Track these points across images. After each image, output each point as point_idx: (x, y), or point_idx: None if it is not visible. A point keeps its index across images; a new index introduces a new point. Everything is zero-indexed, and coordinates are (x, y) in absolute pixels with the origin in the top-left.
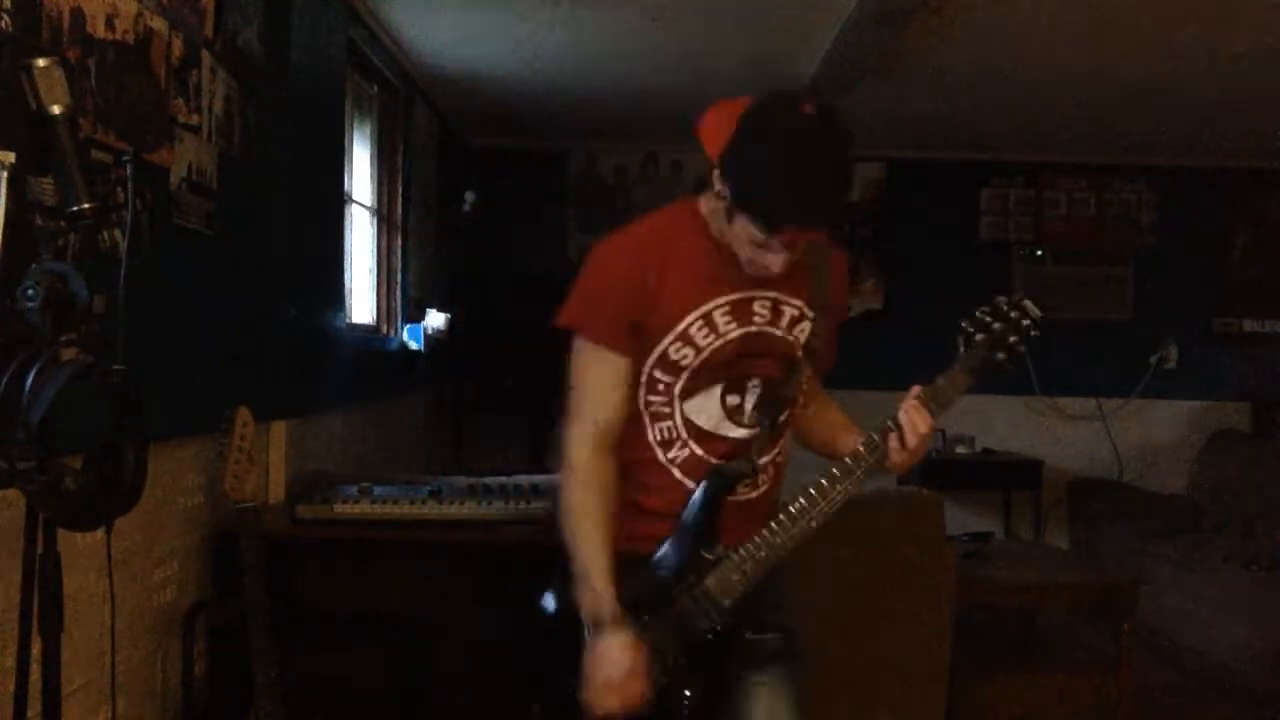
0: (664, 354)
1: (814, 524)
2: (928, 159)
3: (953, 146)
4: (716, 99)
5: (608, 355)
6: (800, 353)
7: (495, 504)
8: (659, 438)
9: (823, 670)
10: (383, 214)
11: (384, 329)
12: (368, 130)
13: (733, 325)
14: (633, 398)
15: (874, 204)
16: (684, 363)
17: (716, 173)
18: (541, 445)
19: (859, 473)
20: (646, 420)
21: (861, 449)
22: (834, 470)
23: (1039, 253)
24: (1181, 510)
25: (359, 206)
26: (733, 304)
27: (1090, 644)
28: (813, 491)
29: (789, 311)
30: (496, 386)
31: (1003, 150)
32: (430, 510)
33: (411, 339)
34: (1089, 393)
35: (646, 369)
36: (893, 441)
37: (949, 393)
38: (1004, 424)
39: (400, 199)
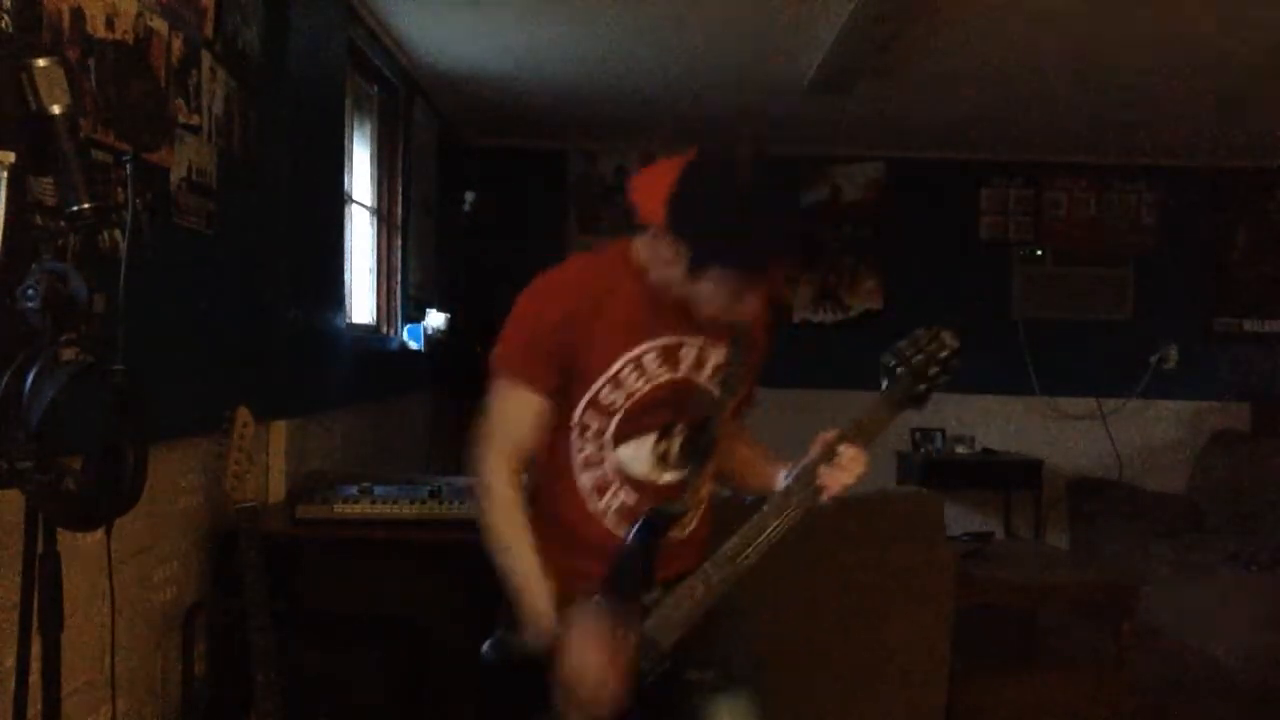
0: (595, 397)
1: (750, 561)
2: (928, 159)
3: (953, 146)
4: (716, 99)
5: (526, 393)
6: (720, 397)
7: None
8: (590, 486)
9: (822, 669)
10: (383, 214)
11: (384, 329)
12: (368, 130)
13: (662, 370)
14: (557, 444)
15: (874, 204)
16: (613, 407)
17: (663, 233)
18: None
19: (792, 510)
20: (576, 469)
21: (794, 485)
22: (767, 509)
23: (1039, 253)
24: (1181, 510)
25: (359, 206)
26: (663, 349)
27: (1090, 644)
28: (747, 529)
29: (713, 358)
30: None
31: (1003, 150)
32: (430, 510)
33: (411, 339)
34: (1089, 393)
35: (578, 414)
36: (826, 478)
37: (872, 428)
38: (1004, 424)
39: (400, 199)
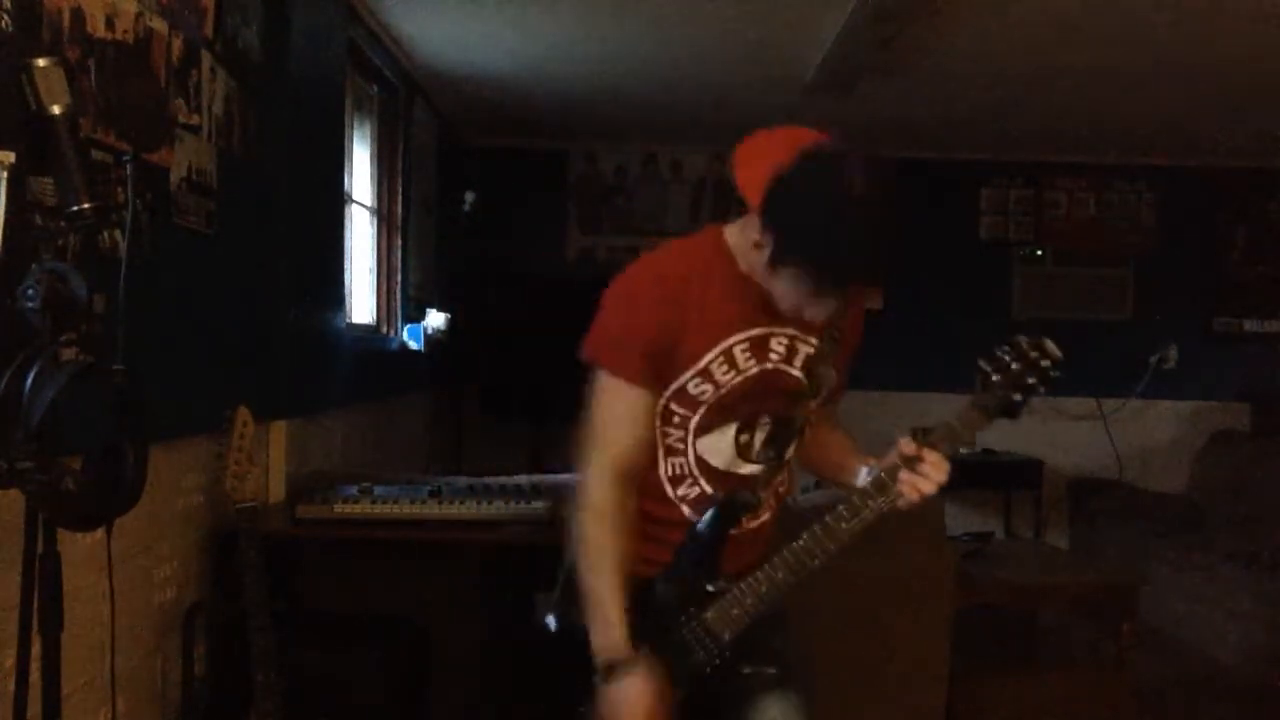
0: (683, 388)
1: (818, 562)
2: (928, 159)
3: (953, 146)
4: (716, 99)
5: (632, 390)
6: (809, 390)
7: (495, 504)
8: (670, 473)
9: (823, 670)
10: (383, 214)
11: (384, 329)
12: (368, 130)
13: (752, 362)
14: (653, 434)
15: None
16: (702, 398)
17: (756, 218)
18: (541, 445)
19: (867, 514)
20: (660, 454)
21: (871, 488)
22: (842, 509)
23: (1039, 253)
24: (1181, 510)
25: (359, 206)
26: (753, 340)
27: (1090, 644)
28: (818, 530)
29: (804, 350)
30: (496, 386)
31: (1003, 150)
32: (430, 510)
33: (411, 339)
34: (1089, 393)
35: (663, 401)
36: (905, 485)
37: (963, 433)
38: (1004, 424)
39: (400, 199)
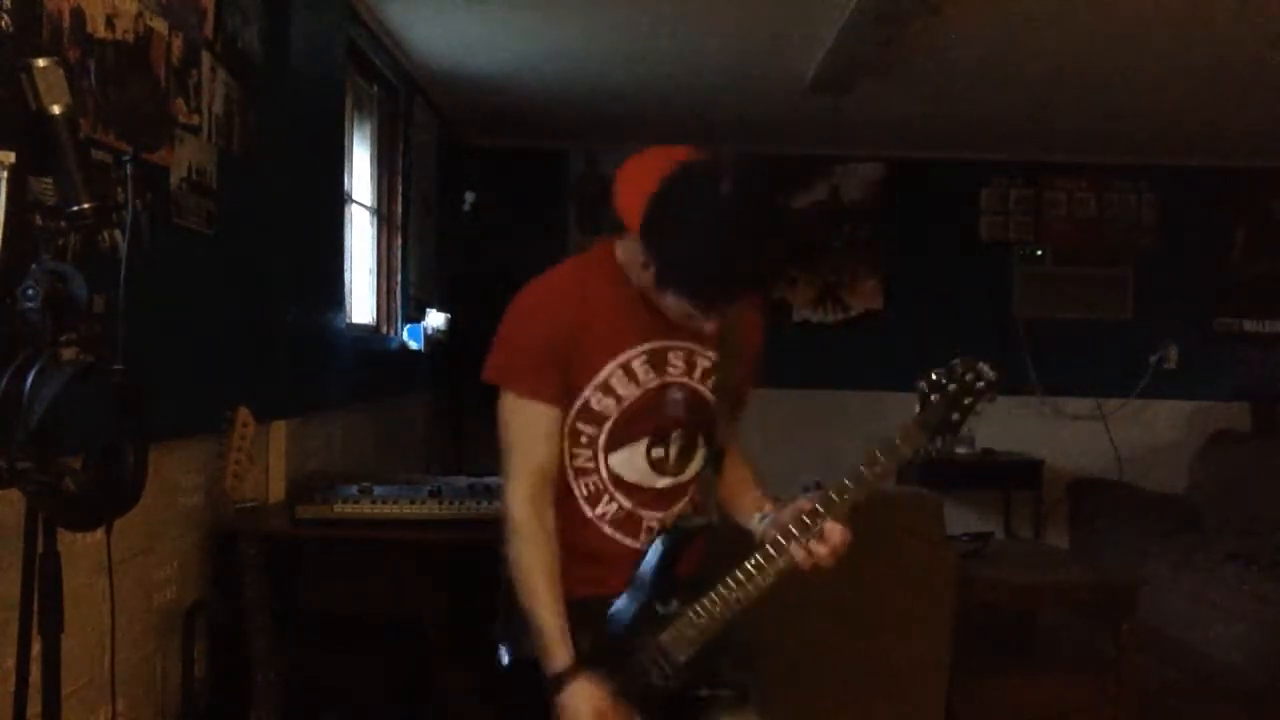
0: (586, 404)
1: (769, 581)
2: (928, 159)
3: (953, 146)
4: (716, 99)
5: (537, 406)
6: (715, 401)
7: (495, 504)
8: (584, 493)
9: (823, 670)
10: (383, 214)
11: (384, 329)
12: (368, 130)
13: (651, 375)
14: (562, 450)
15: (874, 204)
16: (606, 413)
17: (640, 239)
18: None
19: (813, 531)
20: (571, 476)
21: (818, 505)
22: (791, 527)
23: (1039, 253)
24: (1181, 510)
25: (359, 206)
26: (650, 353)
27: (1090, 644)
28: (769, 548)
29: (702, 362)
30: (494, 387)
31: (1003, 150)
32: (430, 510)
33: (411, 339)
34: (1089, 393)
35: (570, 421)
36: (800, 557)
37: (904, 450)
38: (1004, 424)
39: (400, 199)
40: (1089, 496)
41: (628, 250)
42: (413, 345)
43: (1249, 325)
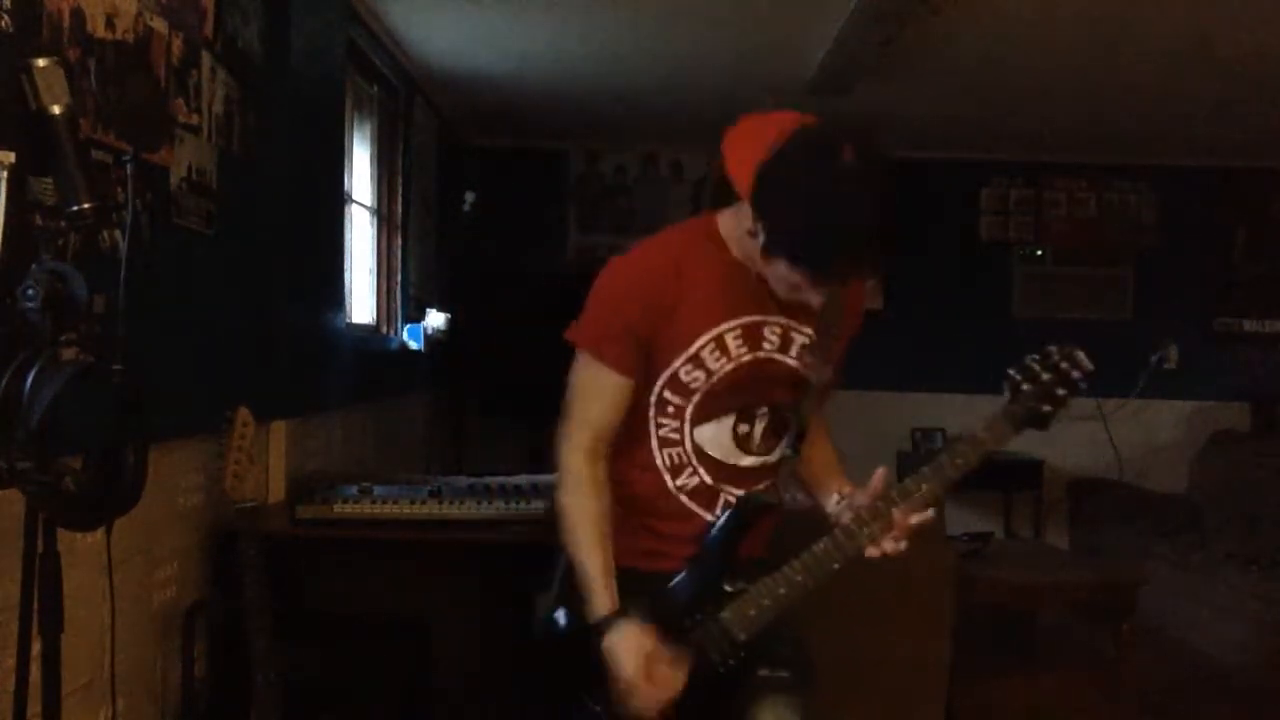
0: (675, 375)
1: (836, 566)
2: (928, 159)
3: (953, 146)
4: (716, 99)
5: (609, 373)
6: (808, 381)
7: (495, 504)
8: (668, 463)
9: (822, 670)
10: (383, 214)
11: (384, 329)
12: (368, 130)
13: (744, 350)
14: (635, 418)
15: None
16: (694, 385)
17: (747, 206)
18: (541, 445)
19: (887, 519)
20: (655, 445)
21: (894, 493)
22: (863, 513)
23: (1039, 253)
24: (1181, 510)
25: (359, 206)
26: (745, 328)
27: (1090, 644)
28: (839, 534)
29: (798, 339)
30: (496, 386)
31: (1003, 150)
32: (430, 510)
33: (411, 339)
34: (1089, 393)
35: (657, 390)
36: (870, 548)
37: (990, 444)
38: None
39: (400, 199)
40: (1089, 496)
41: (732, 220)
42: (413, 345)
43: (1249, 325)
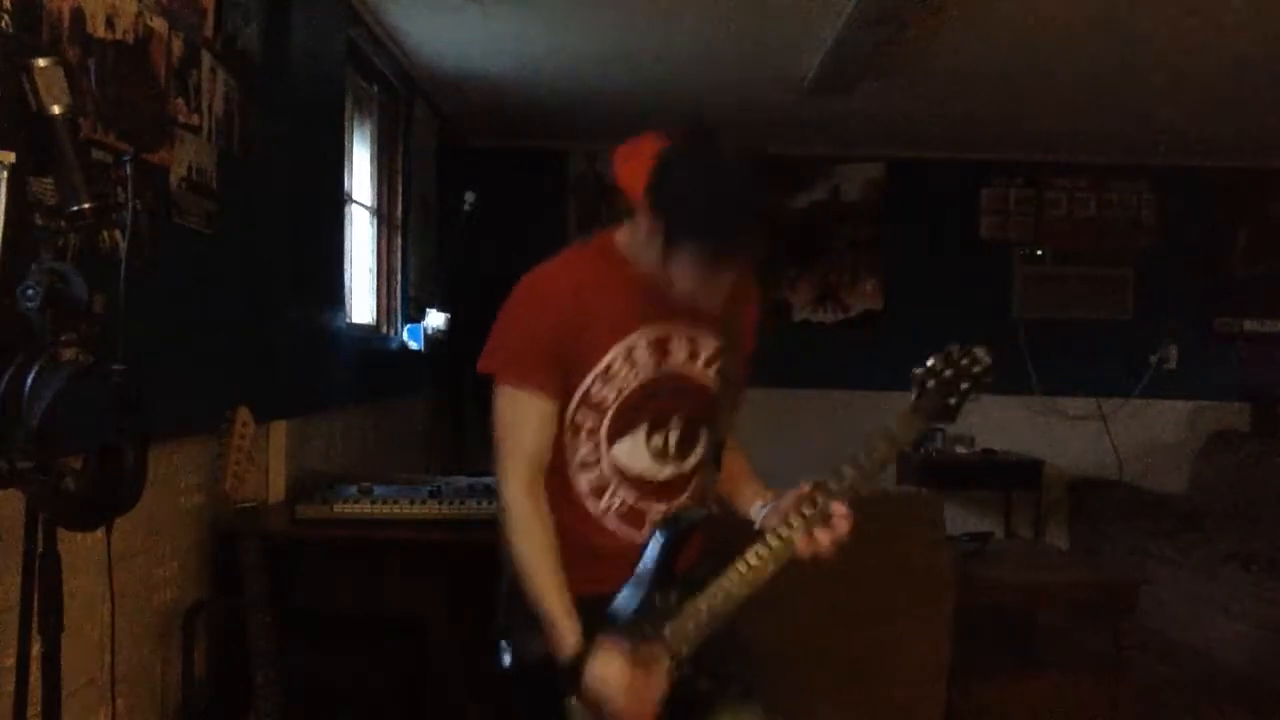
0: (586, 393)
1: (772, 570)
2: (928, 159)
3: (953, 146)
4: (716, 99)
5: (530, 397)
6: (717, 389)
7: (495, 504)
8: (588, 488)
9: (823, 669)
10: (383, 214)
11: (384, 329)
12: (368, 130)
13: (652, 361)
14: (556, 446)
15: (874, 204)
16: (606, 402)
17: (644, 210)
18: None
19: (815, 521)
20: (574, 471)
21: (818, 495)
22: (790, 516)
23: (1039, 253)
24: (1181, 510)
25: (359, 206)
26: (652, 340)
27: (1090, 644)
28: (770, 539)
29: (704, 351)
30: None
31: (1003, 150)
32: (430, 510)
33: (411, 339)
34: (1089, 393)
35: (571, 413)
36: (802, 545)
37: (902, 438)
38: (1004, 424)
39: (400, 199)
40: (1089, 496)
41: (629, 233)
42: (413, 345)
43: (1249, 325)
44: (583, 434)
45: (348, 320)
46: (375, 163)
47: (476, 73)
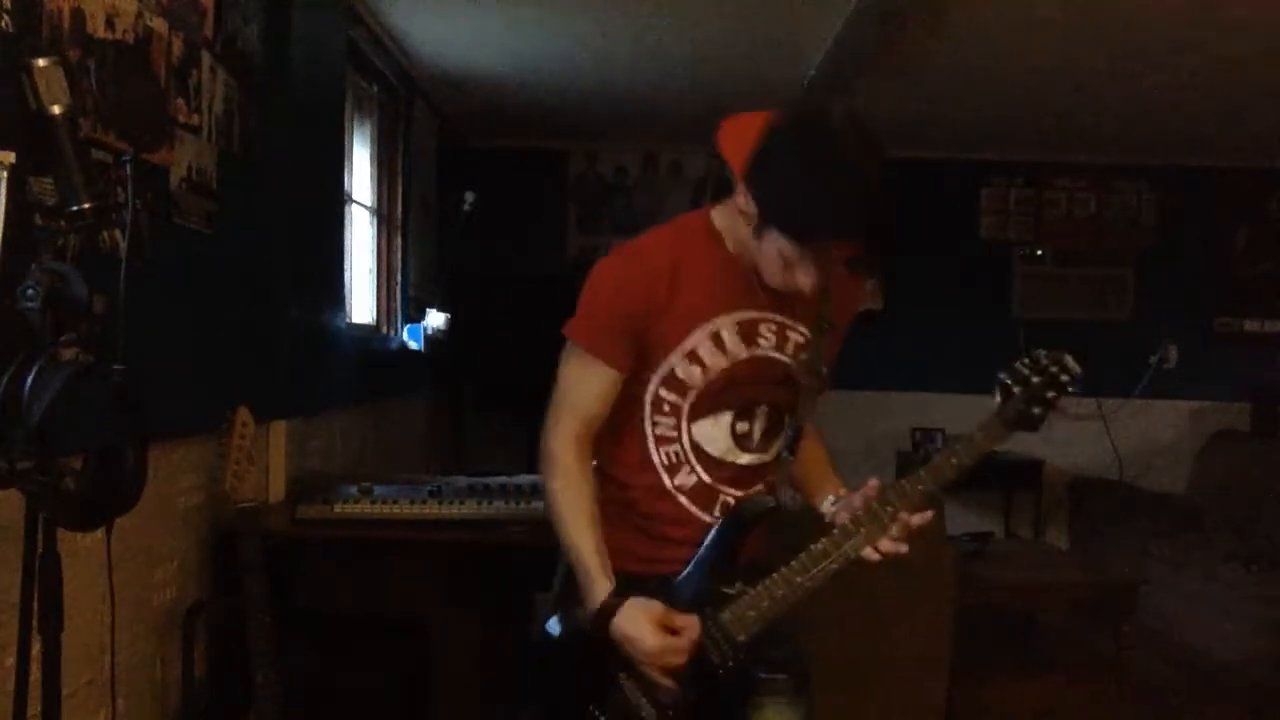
0: (671, 372)
1: (835, 567)
2: (928, 159)
3: (953, 146)
4: (716, 99)
5: (599, 365)
6: (804, 379)
7: (495, 504)
8: (665, 462)
9: (822, 669)
10: (383, 214)
11: (384, 329)
12: (368, 130)
13: (740, 346)
14: (630, 417)
15: None
16: (691, 382)
17: (742, 186)
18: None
19: (885, 519)
20: (652, 444)
21: (891, 494)
22: (860, 514)
23: (1039, 253)
24: (1181, 510)
25: (359, 206)
26: (741, 324)
27: (1090, 644)
28: (837, 535)
29: (794, 337)
30: (496, 386)
31: (1003, 150)
32: (430, 510)
33: (411, 339)
34: (1089, 393)
35: (652, 388)
36: (868, 551)
37: (984, 445)
38: None
39: (400, 199)
40: (1089, 496)
41: (726, 214)
42: (413, 345)
43: (1249, 325)
44: (665, 409)
45: (348, 320)
46: (375, 163)
47: (476, 73)
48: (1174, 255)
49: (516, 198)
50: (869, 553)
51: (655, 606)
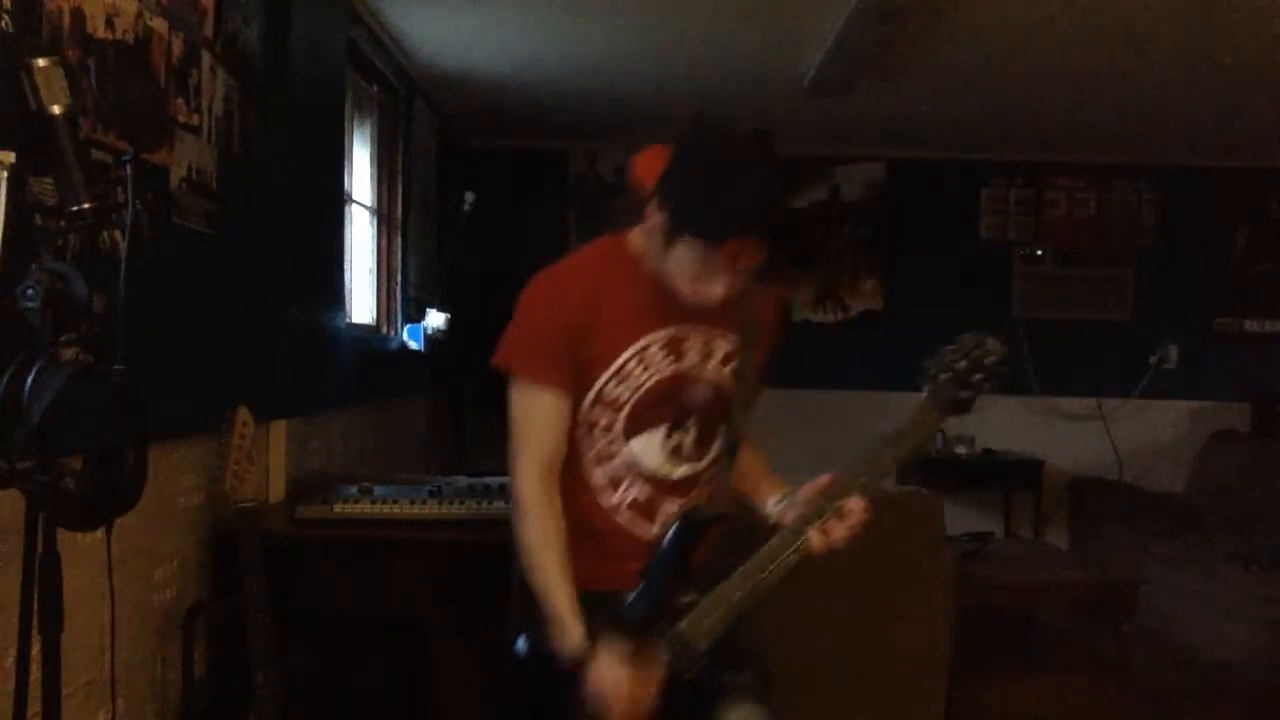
0: (601, 392)
1: (789, 564)
2: (928, 159)
3: (953, 146)
4: (716, 99)
5: (548, 394)
6: (733, 389)
7: (495, 504)
8: (603, 480)
9: (823, 669)
10: (383, 214)
11: (384, 329)
12: (368, 130)
13: (668, 361)
14: (571, 438)
15: (874, 204)
16: (621, 400)
17: (653, 203)
18: None
19: (829, 512)
20: (590, 462)
21: (834, 488)
22: (807, 510)
23: (1039, 253)
24: (1181, 510)
25: (359, 206)
26: (666, 340)
27: (1090, 644)
28: (786, 533)
29: (721, 348)
30: (496, 386)
31: (1003, 150)
32: (430, 510)
33: (411, 339)
34: (1089, 393)
35: (585, 409)
36: (815, 537)
37: (917, 433)
38: (1004, 424)
39: (400, 199)
40: (1089, 496)
41: (643, 234)
42: (413, 345)
43: (1249, 325)
44: (598, 430)
45: (348, 320)
46: (375, 163)
47: (476, 73)
48: (1174, 255)
49: (516, 198)
50: (816, 539)
51: (624, 659)
